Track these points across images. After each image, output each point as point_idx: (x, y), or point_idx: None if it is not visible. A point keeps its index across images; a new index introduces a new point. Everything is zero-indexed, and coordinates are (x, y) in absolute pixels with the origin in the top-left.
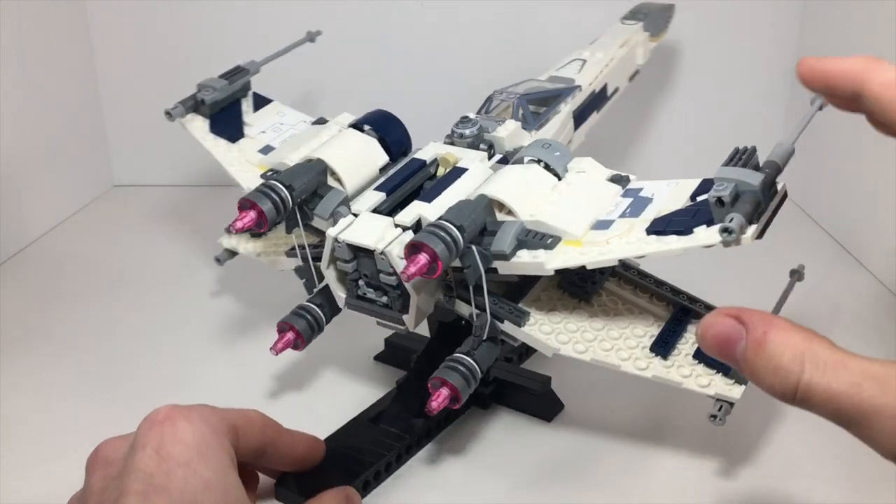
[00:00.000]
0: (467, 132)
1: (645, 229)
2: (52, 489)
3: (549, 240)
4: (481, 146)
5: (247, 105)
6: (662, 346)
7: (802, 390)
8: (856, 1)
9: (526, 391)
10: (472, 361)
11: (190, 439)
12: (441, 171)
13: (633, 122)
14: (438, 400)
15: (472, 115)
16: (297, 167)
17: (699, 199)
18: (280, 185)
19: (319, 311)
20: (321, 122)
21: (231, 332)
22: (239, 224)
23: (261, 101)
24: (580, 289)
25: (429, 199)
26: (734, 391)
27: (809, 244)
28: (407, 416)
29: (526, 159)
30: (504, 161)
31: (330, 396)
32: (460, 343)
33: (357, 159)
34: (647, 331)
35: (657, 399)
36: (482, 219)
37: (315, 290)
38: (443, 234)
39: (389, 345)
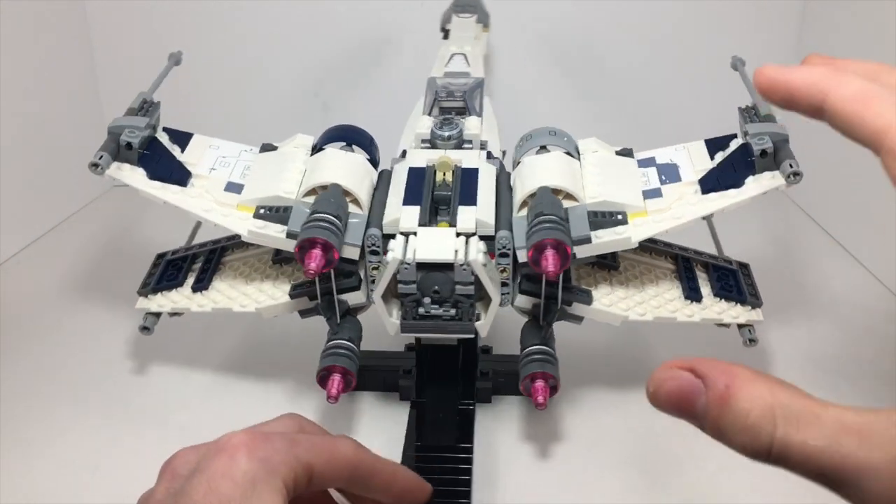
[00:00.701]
0: (452, 133)
1: (697, 191)
2: None
3: (619, 216)
4: (465, 145)
5: (165, 141)
6: (695, 293)
7: (777, 449)
8: (856, 1)
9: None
10: (550, 349)
11: (240, 478)
12: (440, 175)
13: (632, 121)
14: (544, 394)
15: (448, 117)
16: (325, 196)
17: (718, 156)
18: (330, 216)
19: (351, 344)
20: (269, 148)
21: (228, 339)
22: (314, 266)
23: (180, 137)
24: (603, 258)
25: (471, 202)
26: (755, 315)
27: (808, 243)
28: (451, 429)
29: (535, 149)
30: (489, 155)
31: None
32: (454, 346)
33: (362, 179)
34: (672, 283)
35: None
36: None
37: (338, 325)
38: (558, 226)
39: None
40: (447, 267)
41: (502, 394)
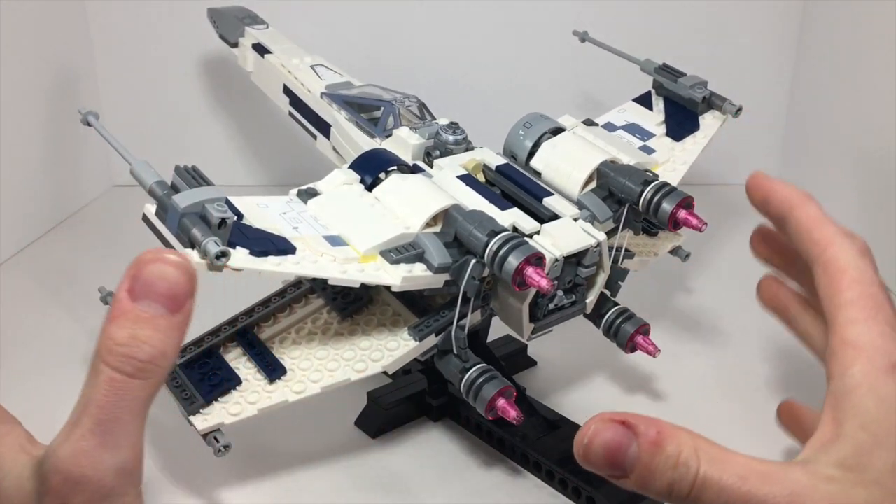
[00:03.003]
0: (459, 138)
1: (673, 141)
2: None
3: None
4: (469, 146)
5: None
6: (651, 228)
7: (699, 483)
8: (856, 1)
9: (515, 354)
10: (621, 305)
11: None
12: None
13: None
14: (651, 343)
15: (444, 122)
16: (471, 218)
17: (656, 108)
18: (510, 232)
19: (486, 363)
20: (311, 193)
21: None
22: (545, 281)
23: None
24: None
25: (547, 192)
26: (679, 238)
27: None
28: (539, 415)
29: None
30: None
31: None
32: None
33: None
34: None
35: None
36: None
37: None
38: (673, 186)
39: (373, 401)
40: (577, 255)
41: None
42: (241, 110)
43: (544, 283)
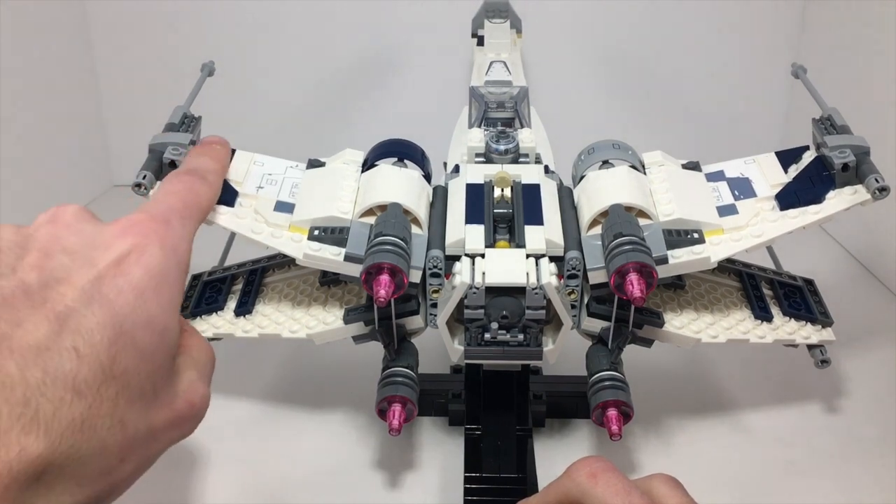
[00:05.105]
0: (509, 147)
1: (774, 207)
2: None
3: (695, 234)
4: (522, 159)
5: None
6: (765, 313)
7: None
8: (856, 1)
9: (577, 397)
10: (620, 374)
11: (155, 268)
12: (498, 191)
13: (633, 121)
14: (618, 423)
15: (505, 130)
16: (387, 217)
17: (791, 169)
18: (396, 238)
19: (410, 371)
20: (317, 163)
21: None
22: (384, 293)
23: None
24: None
25: (537, 220)
26: (827, 334)
27: (820, 253)
28: (511, 457)
29: (598, 164)
30: (546, 169)
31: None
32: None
33: (420, 196)
34: (740, 302)
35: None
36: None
37: (395, 351)
38: (640, 248)
39: None
40: (517, 291)
41: (555, 417)
42: (241, 110)
43: (382, 293)
